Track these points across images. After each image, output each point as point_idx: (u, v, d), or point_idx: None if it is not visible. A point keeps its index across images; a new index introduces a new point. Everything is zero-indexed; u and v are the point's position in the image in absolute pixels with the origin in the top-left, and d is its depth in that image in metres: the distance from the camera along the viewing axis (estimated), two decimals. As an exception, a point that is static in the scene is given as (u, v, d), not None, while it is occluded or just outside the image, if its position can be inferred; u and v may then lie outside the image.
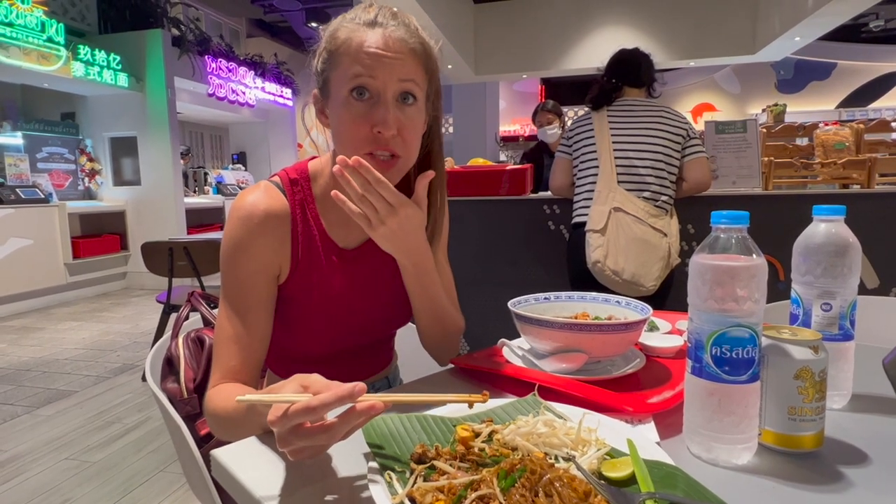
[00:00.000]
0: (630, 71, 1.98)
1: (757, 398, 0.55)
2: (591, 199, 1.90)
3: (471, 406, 0.57)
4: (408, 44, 0.73)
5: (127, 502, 1.83)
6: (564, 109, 3.93)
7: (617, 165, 1.87)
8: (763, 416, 0.56)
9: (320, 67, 0.76)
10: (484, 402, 0.57)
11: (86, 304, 5.12)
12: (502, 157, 9.63)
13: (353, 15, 0.75)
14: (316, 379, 0.52)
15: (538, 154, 3.70)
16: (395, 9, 0.76)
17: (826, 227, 0.67)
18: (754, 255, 0.53)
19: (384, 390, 0.88)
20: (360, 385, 0.48)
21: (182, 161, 6.21)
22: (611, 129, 1.91)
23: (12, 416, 2.56)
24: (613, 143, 1.89)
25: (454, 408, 0.64)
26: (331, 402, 0.47)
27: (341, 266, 0.84)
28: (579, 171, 2.00)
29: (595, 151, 1.92)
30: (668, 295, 1.91)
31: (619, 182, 1.86)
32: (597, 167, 1.91)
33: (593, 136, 1.94)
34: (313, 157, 0.88)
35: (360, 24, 0.73)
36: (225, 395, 0.71)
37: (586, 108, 2.04)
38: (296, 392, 0.50)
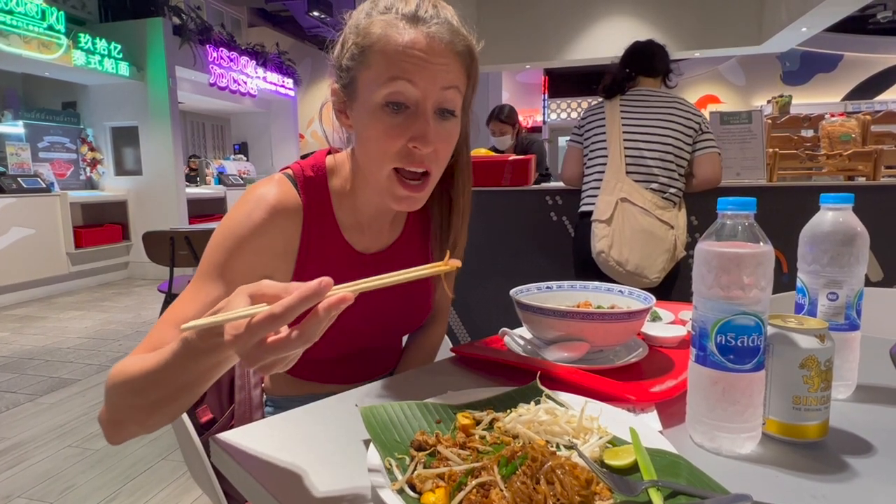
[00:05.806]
0: (644, 60, 1.97)
1: (762, 387, 0.54)
2: (598, 188, 1.89)
3: (443, 274, 0.49)
4: (454, 47, 0.65)
5: (129, 490, 1.84)
6: (567, 101, 3.88)
7: (626, 156, 1.86)
8: (767, 406, 0.55)
9: (346, 63, 0.67)
10: (453, 268, 0.49)
11: (88, 294, 5.14)
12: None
13: (387, 3, 0.66)
14: (267, 284, 0.45)
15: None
16: None
17: (833, 216, 0.66)
18: (761, 243, 0.52)
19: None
20: (326, 279, 0.42)
21: None
22: (622, 118, 1.90)
23: (15, 404, 2.58)
24: (624, 132, 1.88)
25: (455, 395, 0.63)
26: (296, 304, 0.41)
27: (357, 271, 0.79)
28: (588, 160, 1.99)
29: (605, 141, 1.91)
30: (674, 287, 1.90)
31: (627, 172, 1.85)
32: (606, 157, 1.89)
33: (604, 126, 1.93)
34: (329, 151, 0.81)
35: (399, 17, 0.64)
36: (138, 356, 0.58)
37: (599, 99, 2.03)
38: (248, 306, 0.43)
